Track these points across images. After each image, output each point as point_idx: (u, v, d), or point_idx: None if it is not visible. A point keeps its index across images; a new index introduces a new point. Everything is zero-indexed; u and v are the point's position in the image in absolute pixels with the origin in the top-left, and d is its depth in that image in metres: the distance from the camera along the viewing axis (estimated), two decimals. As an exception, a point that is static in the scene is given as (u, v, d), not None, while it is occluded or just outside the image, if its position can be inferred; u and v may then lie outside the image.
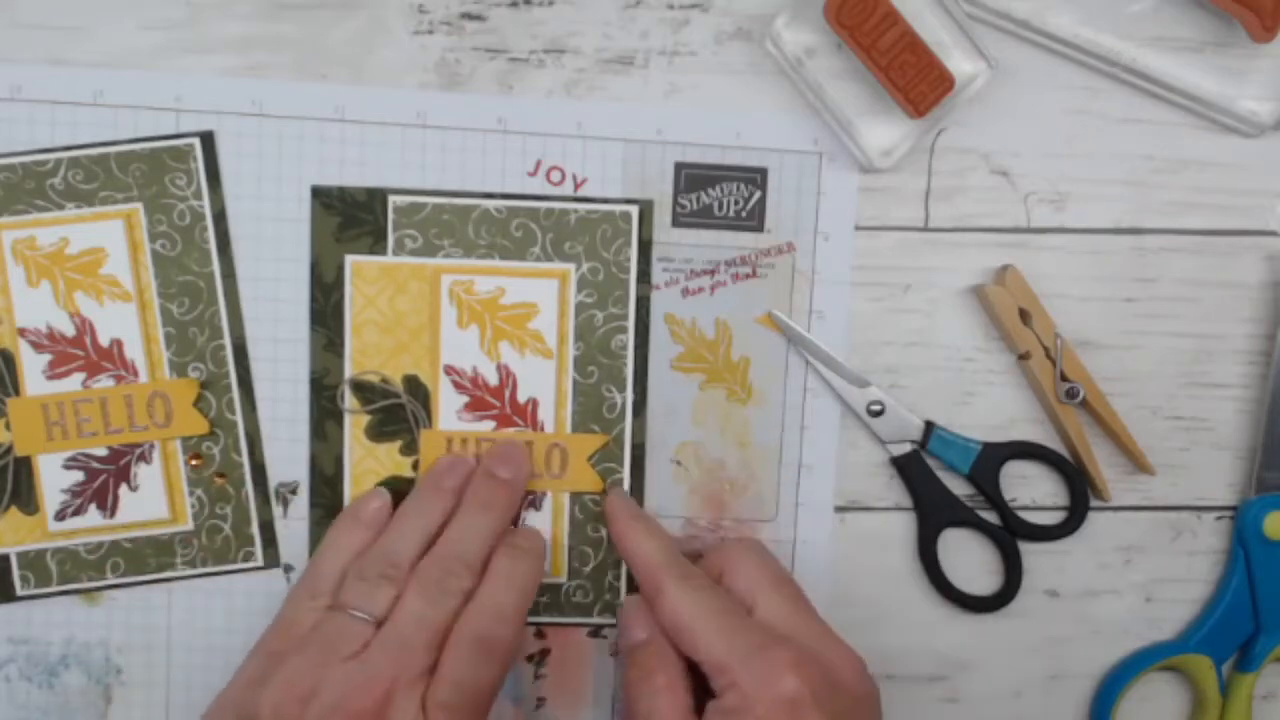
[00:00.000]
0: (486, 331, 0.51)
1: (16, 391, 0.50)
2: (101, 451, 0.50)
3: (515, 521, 0.51)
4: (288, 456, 0.51)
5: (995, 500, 0.52)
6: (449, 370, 0.51)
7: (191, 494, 0.51)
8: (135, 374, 0.50)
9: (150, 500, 0.50)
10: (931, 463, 0.52)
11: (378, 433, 0.51)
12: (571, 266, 0.51)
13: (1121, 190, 0.52)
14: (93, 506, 0.50)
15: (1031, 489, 0.53)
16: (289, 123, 0.50)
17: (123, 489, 0.50)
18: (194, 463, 0.50)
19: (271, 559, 0.51)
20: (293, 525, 0.51)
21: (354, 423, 0.51)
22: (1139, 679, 0.53)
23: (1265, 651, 0.53)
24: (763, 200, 0.51)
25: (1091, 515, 0.53)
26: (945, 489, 0.52)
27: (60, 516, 0.50)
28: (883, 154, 0.50)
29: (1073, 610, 0.53)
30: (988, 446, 0.52)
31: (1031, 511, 0.53)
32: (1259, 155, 0.52)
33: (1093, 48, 0.50)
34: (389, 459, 0.51)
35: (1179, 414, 0.53)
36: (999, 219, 0.52)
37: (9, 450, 0.50)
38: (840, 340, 0.51)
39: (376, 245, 0.50)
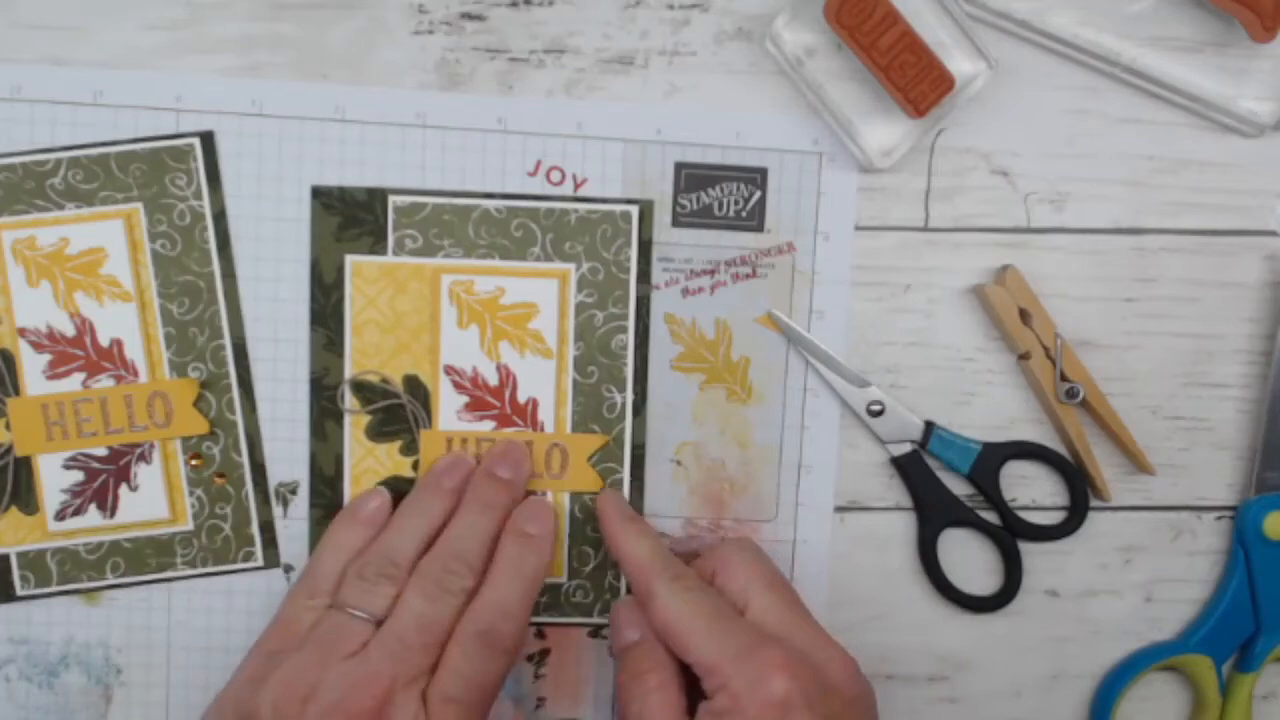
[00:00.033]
0: (486, 331, 0.51)
1: (16, 391, 0.50)
2: (101, 451, 0.50)
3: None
4: (287, 456, 0.51)
5: (995, 500, 0.52)
6: (449, 370, 0.51)
7: (191, 494, 0.51)
8: (135, 374, 0.50)
9: (150, 500, 0.50)
10: (931, 463, 0.52)
11: (378, 433, 0.51)
12: (571, 266, 0.51)
13: (1121, 190, 0.52)
14: (93, 506, 0.50)
15: (1031, 489, 0.53)
16: (289, 123, 0.50)
17: (123, 489, 0.50)
18: (194, 463, 0.50)
19: (271, 559, 0.51)
20: (293, 525, 0.51)
21: (354, 423, 0.51)
22: (1139, 679, 0.53)
23: (1265, 651, 0.53)
24: (763, 200, 0.51)
25: (1091, 515, 0.53)
26: (945, 489, 0.52)
27: (60, 516, 0.50)
28: (883, 154, 0.50)
29: (1073, 610, 0.53)
30: (988, 446, 0.52)
31: (1031, 511, 0.53)
32: (1259, 155, 0.52)
33: (1093, 48, 0.50)
34: (389, 459, 0.51)
35: (1179, 414, 0.53)
36: (999, 219, 0.52)
37: (9, 450, 0.50)
38: (840, 340, 0.51)
39: (376, 245, 0.50)
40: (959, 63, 0.49)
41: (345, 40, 0.49)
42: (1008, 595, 0.53)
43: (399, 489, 0.50)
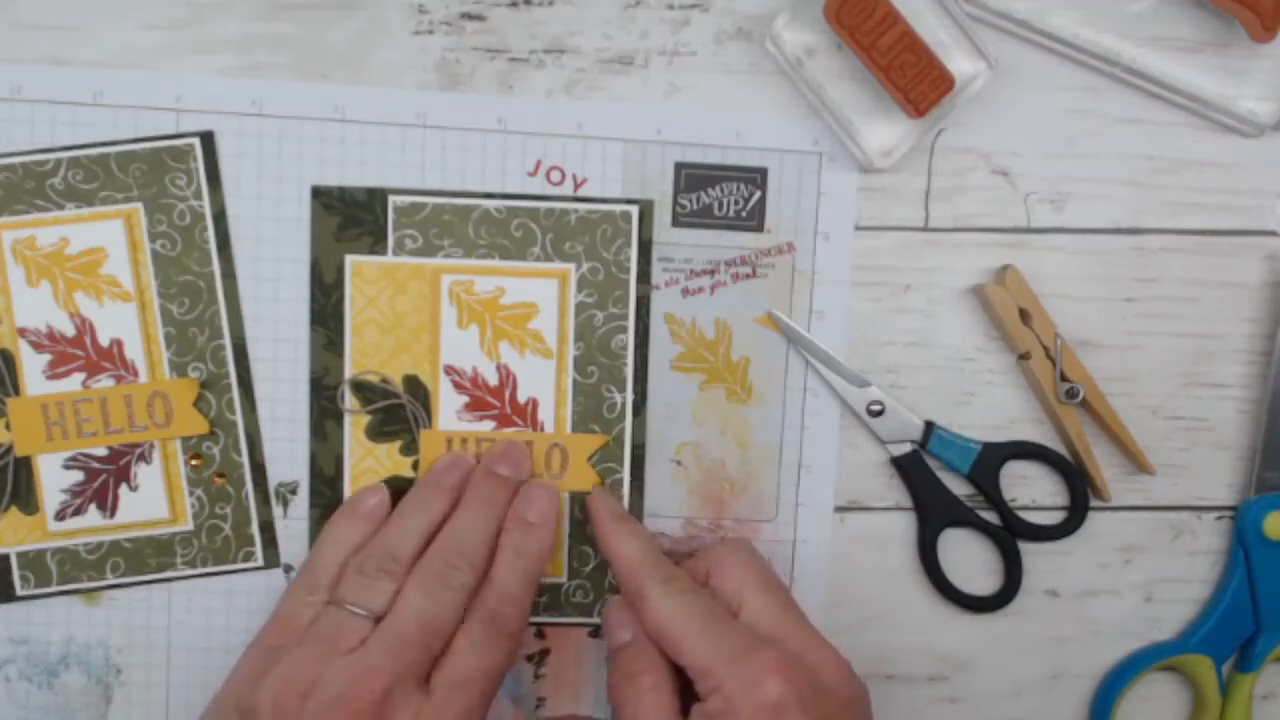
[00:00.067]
0: (486, 331, 0.51)
1: (16, 391, 0.50)
2: (101, 451, 0.50)
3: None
4: (287, 456, 0.51)
5: (995, 500, 0.52)
6: (449, 370, 0.51)
7: (191, 494, 0.51)
8: (135, 374, 0.50)
9: (150, 500, 0.50)
10: (931, 463, 0.52)
11: (378, 433, 0.51)
12: (571, 266, 0.51)
13: (1121, 190, 0.52)
14: (93, 506, 0.50)
15: (1031, 489, 0.53)
16: (289, 123, 0.50)
17: (123, 489, 0.50)
18: (194, 463, 0.51)
19: (271, 559, 0.51)
20: (293, 525, 0.51)
21: (354, 423, 0.51)
22: (1139, 679, 0.53)
23: (1265, 651, 0.53)
24: (763, 200, 0.51)
25: (1091, 515, 0.53)
26: (945, 489, 0.52)
27: (60, 516, 0.50)
28: (883, 154, 0.50)
29: (1073, 610, 0.53)
30: (988, 446, 0.52)
31: (1031, 511, 0.53)
32: (1259, 155, 0.52)
33: (1093, 48, 0.50)
34: (389, 459, 0.51)
35: (1179, 414, 0.53)
36: (999, 219, 0.52)
37: (9, 450, 0.50)
38: (840, 340, 0.51)
39: (376, 245, 0.50)
40: (959, 63, 0.49)
41: (345, 40, 0.49)
42: (1008, 595, 0.53)
43: (399, 489, 0.50)
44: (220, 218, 0.50)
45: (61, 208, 0.49)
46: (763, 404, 0.52)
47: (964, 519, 0.52)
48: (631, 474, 0.51)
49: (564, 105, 0.50)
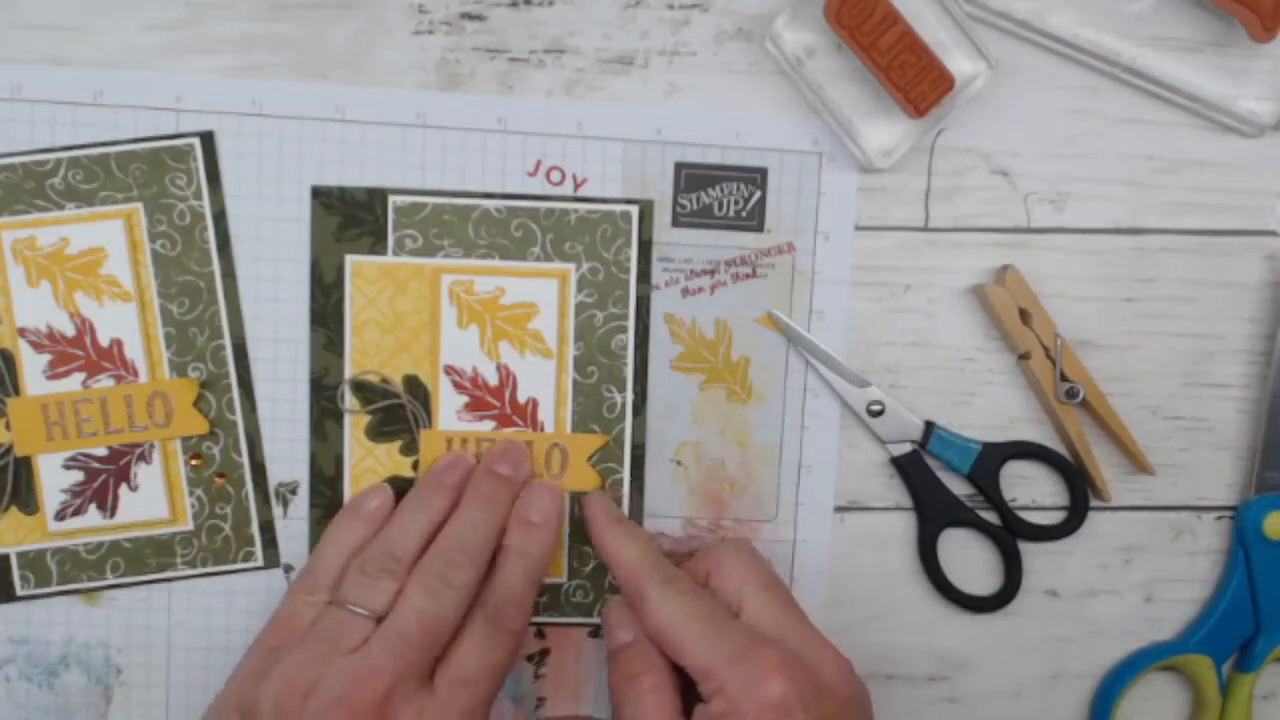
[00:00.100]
0: (486, 331, 0.51)
1: (16, 391, 0.50)
2: (101, 451, 0.50)
3: None
4: (288, 456, 0.51)
5: (995, 500, 0.52)
6: (449, 370, 0.51)
7: (191, 494, 0.51)
8: (135, 374, 0.50)
9: (150, 500, 0.50)
10: (931, 463, 0.52)
11: (378, 433, 0.51)
12: (571, 266, 0.51)
13: (1121, 190, 0.52)
14: (93, 506, 0.50)
15: (1031, 489, 0.53)
16: (289, 123, 0.50)
17: (123, 489, 0.50)
18: (194, 463, 0.50)
19: (271, 559, 0.51)
20: (293, 525, 0.51)
21: (354, 423, 0.51)
22: (1139, 679, 0.53)
23: (1265, 651, 0.53)
24: (763, 200, 0.51)
25: (1091, 515, 0.53)
26: (945, 489, 0.52)
27: (60, 516, 0.50)
28: (883, 154, 0.50)
29: (1073, 610, 0.53)
30: (988, 446, 0.52)
31: (1031, 511, 0.53)
32: (1259, 155, 0.52)
33: (1093, 48, 0.50)
34: (389, 459, 0.51)
35: (1179, 414, 0.53)
36: (999, 219, 0.52)
37: (9, 450, 0.50)
38: (840, 340, 0.51)
39: (376, 245, 0.50)
40: (959, 63, 0.49)
41: (345, 40, 0.49)
42: (1008, 595, 0.53)
43: (399, 489, 0.50)
44: (220, 218, 0.50)
45: (61, 208, 0.49)
46: (763, 404, 0.52)
47: (964, 519, 0.52)
48: (631, 474, 0.51)
49: (564, 105, 0.50)
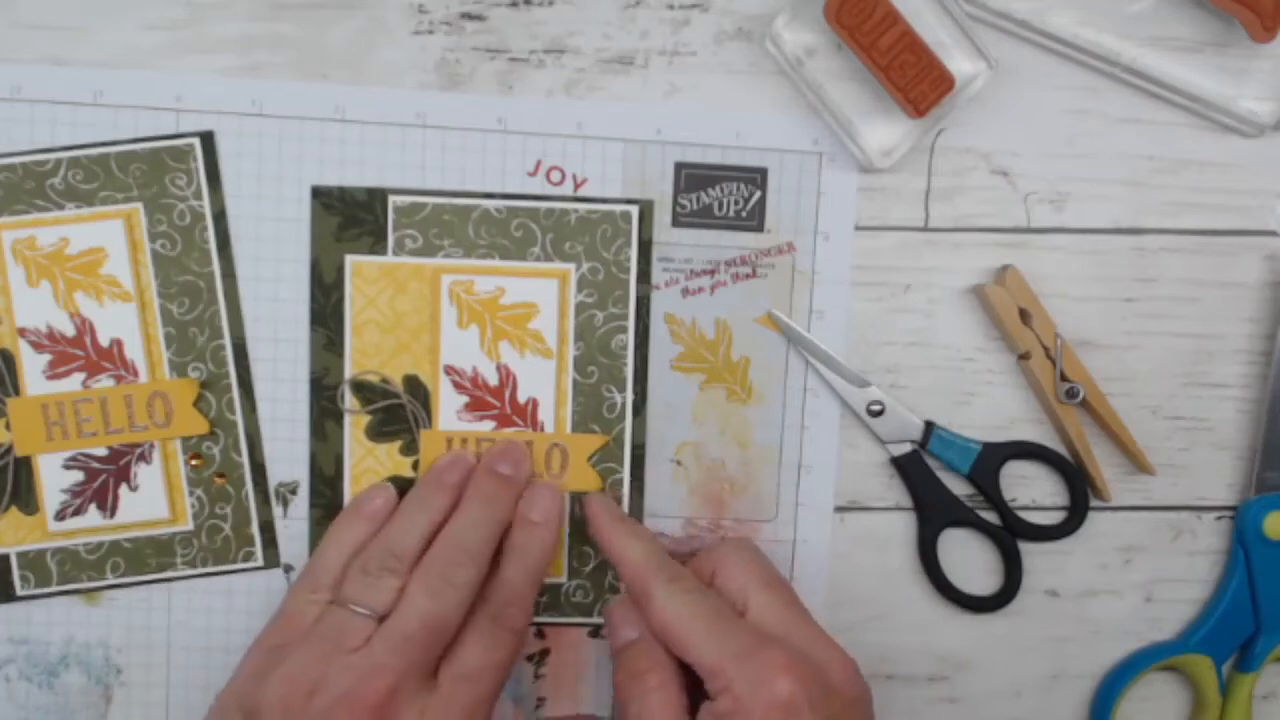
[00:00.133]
0: (486, 331, 0.51)
1: (16, 391, 0.50)
2: (101, 451, 0.50)
3: None
4: (288, 456, 0.51)
5: (995, 500, 0.52)
6: (449, 370, 0.51)
7: (191, 494, 0.51)
8: (135, 374, 0.50)
9: (150, 500, 0.50)
10: (931, 463, 0.52)
11: (378, 433, 0.51)
12: (571, 266, 0.51)
13: (1121, 190, 0.52)
14: (93, 506, 0.50)
15: (1031, 489, 0.53)
16: (289, 123, 0.50)
17: (123, 489, 0.50)
18: (194, 463, 0.51)
19: (271, 559, 0.51)
20: (293, 525, 0.51)
21: (354, 423, 0.51)
22: (1139, 679, 0.53)
23: (1265, 651, 0.53)
24: (763, 200, 0.51)
25: (1091, 515, 0.53)
26: (945, 489, 0.52)
27: (60, 516, 0.50)
28: (883, 154, 0.50)
29: (1073, 610, 0.53)
30: (988, 446, 0.52)
31: (1031, 511, 0.53)
32: (1259, 155, 0.52)
33: (1093, 48, 0.50)
34: (389, 459, 0.51)
35: (1179, 414, 0.53)
36: (999, 219, 0.52)
37: (9, 450, 0.50)
38: (840, 340, 0.51)
39: (376, 245, 0.50)
40: (959, 63, 0.49)
41: (345, 40, 0.49)
42: (1008, 595, 0.53)
43: (400, 489, 0.50)
44: (220, 218, 0.50)
45: (61, 208, 0.49)
46: (763, 404, 0.52)
47: (964, 519, 0.52)
48: (631, 474, 0.51)
49: (564, 105, 0.50)
